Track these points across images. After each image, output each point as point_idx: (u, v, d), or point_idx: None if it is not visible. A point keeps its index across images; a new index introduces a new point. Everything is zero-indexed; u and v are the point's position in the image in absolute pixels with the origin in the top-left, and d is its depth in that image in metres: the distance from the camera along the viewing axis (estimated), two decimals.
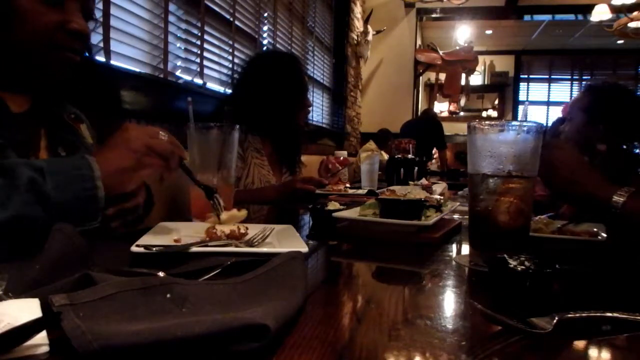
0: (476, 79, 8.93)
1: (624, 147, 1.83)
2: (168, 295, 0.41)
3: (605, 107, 1.77)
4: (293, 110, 1.81)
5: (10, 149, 0.76)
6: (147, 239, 0.68)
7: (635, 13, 5.10)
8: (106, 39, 1.55)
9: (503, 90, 9.24)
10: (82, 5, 0.82)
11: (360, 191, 1.76)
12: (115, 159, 0.74)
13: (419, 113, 6.11)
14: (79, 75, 0.89)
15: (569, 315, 0.43)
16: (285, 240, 0.73)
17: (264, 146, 1.79)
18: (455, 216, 1.12)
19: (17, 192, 0.61)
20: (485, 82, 9.25)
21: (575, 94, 9.03)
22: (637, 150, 1.79)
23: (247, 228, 0.75)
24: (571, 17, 6.74)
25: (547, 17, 6.94)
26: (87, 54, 0.93)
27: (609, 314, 0.44)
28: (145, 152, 0.76)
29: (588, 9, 5.62)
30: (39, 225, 0.61)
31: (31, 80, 0.84)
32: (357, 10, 5.30)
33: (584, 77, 9.12)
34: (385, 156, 3.27)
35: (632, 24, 5.27)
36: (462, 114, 8.89)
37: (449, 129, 5.95)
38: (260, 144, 1.77)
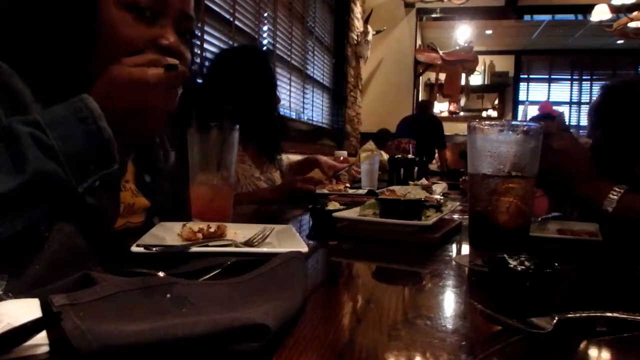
0: (476, 79, 8.94)
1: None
2: (168, 295, 0.41)
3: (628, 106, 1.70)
4: (263, 104, 1.79)
5: None
6: (147, 239, 0.68)
7: (635, 13, 5.10)
8: None
9: (503, 90, 9.25)
10: (177, 26, 0.76)
11: (360, 191, 1.76)
12: (117, 96, 0.64)
13: (415, 108, 6.03)
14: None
15: (569, 315, 0.43)
16: (285, 240, 0.73)
17: (240, 140, 1.78)
18: (455, 216, 1.12)
19: (24, 148, 0.56)
20: (485, 82, 9.26)
21: (576, 93, 9.03)
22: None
23: (218, 227, 0.73)
24: (571, 17, 6.75)
25: (547, 17, 6.95)
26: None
27: (609, 314, 0.44)
28: (160, 89, 0.65)
29: (588, 9, 5.62)
30: (62, 182, 0.57)
31: None
32: (357, 10, 5.30)
33: (584, 77, 9.12)
34: (385, 156, 3.26)
35: (632, 24, 5.27)
36: (462, 114, 8.89)
37: (449, 129, 5.95)
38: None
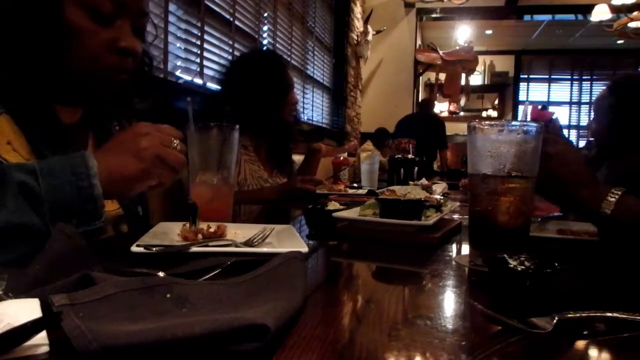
0: (476, 79, 8.93)
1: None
2: (168, 295, 0.41)
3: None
4: (276, 108, 1.81)
5: None
6: (147, 239, 0.68)
7: (635, 13, 5.10)
8: None
9: (503, 90, 9.24)
10: (133, 24, 0.81)
11: (360, 191, 1.77)
12: (120, 166, 0.68)
13: (415, 107, 5.99)
14: (135, 88, 0.88)
15: (569, 315, 0.43)
16: (285, 240, 0.73)
17: (252, 143, 1.80)
18: (455, 216, 1.12)
19: (7, 198, 0.58)
20: (485, 82, 9.26)
21: (576, 93, 9.04)
22: None
23: (217, 227, 0.74)
24: (571, 17, 6.74)
25: (547, 17, 6.94)
26: (146, 69, 0.93)
27: (609, 314, 0.44)
28: (155, 164, 0.70)
29: (588, 9, 5.62)
30: (36, 231, 0.59)
31: (82, 95, 0.83)
32: (357, 10, 5.30)
33: (584, 77, 9.12)
34: (382, 157, 3.25)
35: (632, 24, 5.27)
36: (462, 114, 8.88)
37: (449, 129, 5.94)
38: (248, 141, 1.78)
